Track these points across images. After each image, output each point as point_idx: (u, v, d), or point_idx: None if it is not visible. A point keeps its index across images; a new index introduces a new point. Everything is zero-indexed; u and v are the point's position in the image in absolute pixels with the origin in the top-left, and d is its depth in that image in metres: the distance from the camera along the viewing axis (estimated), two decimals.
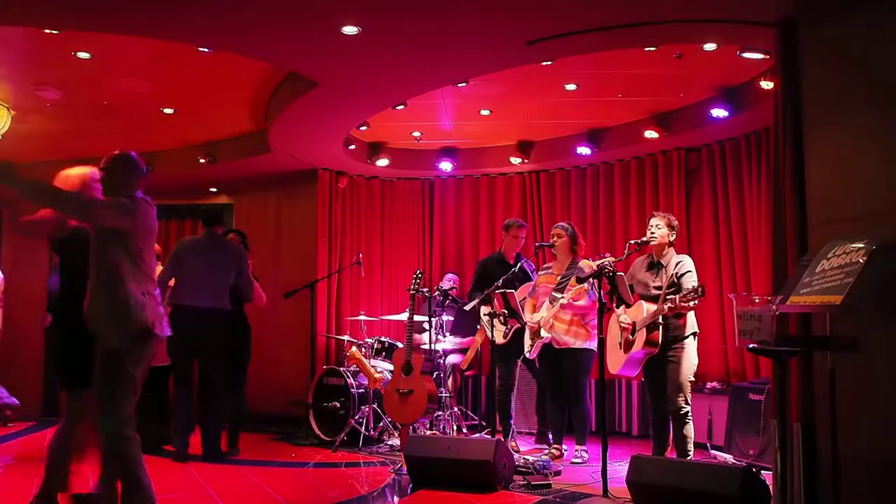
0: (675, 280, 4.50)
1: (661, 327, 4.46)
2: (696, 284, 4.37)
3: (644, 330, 4.49)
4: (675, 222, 4.77)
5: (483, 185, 7.72)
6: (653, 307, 4.48)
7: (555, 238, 5.50)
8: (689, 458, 4.52)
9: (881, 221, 3.11)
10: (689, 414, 4.57)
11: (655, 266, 4.71)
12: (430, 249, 7.95)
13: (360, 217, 7.80)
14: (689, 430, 4.56)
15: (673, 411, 4.56)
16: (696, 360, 4.59)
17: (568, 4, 3.85)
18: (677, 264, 4.60)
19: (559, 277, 5.43)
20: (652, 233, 4.71)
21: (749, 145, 6.06)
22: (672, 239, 4.72)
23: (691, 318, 4.60)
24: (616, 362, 4.72)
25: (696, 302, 4.38)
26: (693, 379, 4.59)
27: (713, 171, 6.42)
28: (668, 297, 4.42)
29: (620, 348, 4.69)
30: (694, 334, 4.58)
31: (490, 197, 7.69)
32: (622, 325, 4.66)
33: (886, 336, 3.05)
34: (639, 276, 4.77)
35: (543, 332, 5.35)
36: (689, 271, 4.55)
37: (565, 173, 7.31)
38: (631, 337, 4.59)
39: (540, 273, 5.70)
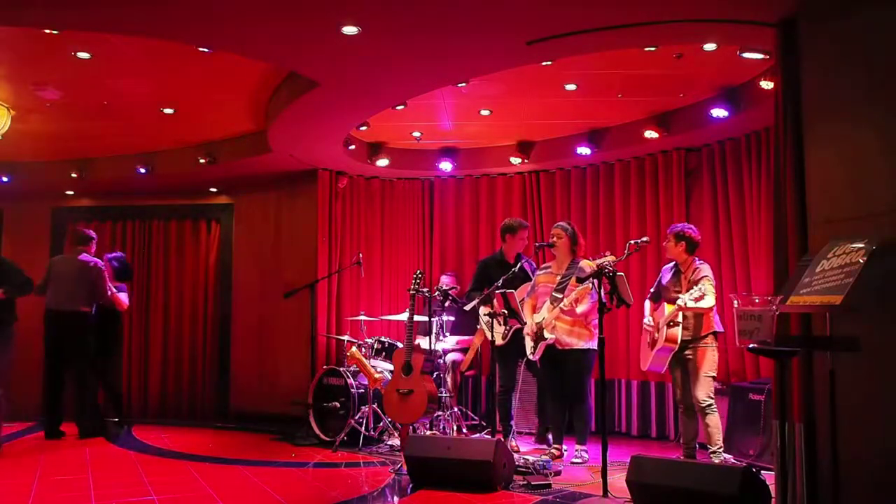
0: (693, 285, 4.82)
1: (679, 326, 4.87)
2: (704, 287, 4.74)
3: (665, 328, 4.88)
4: (678, 231, 5.07)
5: (483, 185, 7.72)
6: (672, 308, 4.88)
7: (554, 238, 5.51)
8: (719, 447, 4.81)
9: (881, 221, 3.11)
10: (713, 406, 4.85)
11: (678, 273, 5.12)
12: (430, 249, 7.94)
13: (360, 217, 7.79)
14: (714, 420, 4.85)
15: (695, 404, 4.87)
16: (715, 358, 4.89)
17: (568, 4, 3.85)
18: (694, 270, 4.97)
19: (559, 277, 5.43)
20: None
21: (749, 145, 6.06)
22: (667, 246, 5.12)
23: (711, 318, 4.91)
24: (645, 359, 5.16)
25: (707, 304, 4.74)
26: (713, 374, 4.90)
27: (713, 171, 6.41)
28: (679, 297, 4.84)
29: (649, 347, 5.08)
30: (714, 334, 4.90)
31: (490, 197, 7.69)
32: (646, 327, 5.12)
33: (886, 336, 3.05)
34: (664, 282, 5.19)
35: (546, 334, 5.34)
36: (705, 276, 4.89)
37: (565, 173, 7.31)
38: (656, 335, 5.00)
39: (539, 273, 5.66)
